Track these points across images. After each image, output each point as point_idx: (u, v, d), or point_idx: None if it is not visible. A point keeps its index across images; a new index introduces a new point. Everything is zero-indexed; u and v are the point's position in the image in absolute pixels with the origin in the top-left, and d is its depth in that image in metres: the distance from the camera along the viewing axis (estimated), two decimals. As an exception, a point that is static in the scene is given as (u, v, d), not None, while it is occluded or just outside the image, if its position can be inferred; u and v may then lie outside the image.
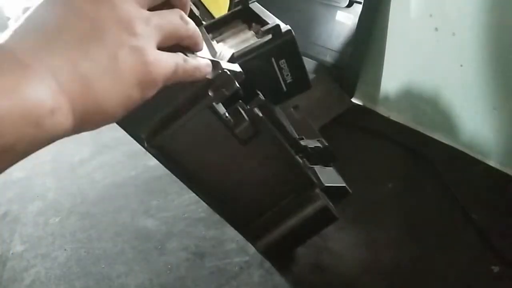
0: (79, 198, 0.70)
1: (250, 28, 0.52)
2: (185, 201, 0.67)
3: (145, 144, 0.40)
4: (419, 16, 0.76)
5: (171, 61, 0.28)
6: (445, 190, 0.66)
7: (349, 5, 0.82)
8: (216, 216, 0.64)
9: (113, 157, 0.82)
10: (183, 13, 0.30)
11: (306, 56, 0.91)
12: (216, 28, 0.52)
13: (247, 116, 0.40)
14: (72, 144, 0.87)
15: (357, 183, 0.55)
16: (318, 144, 0.55)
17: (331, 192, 0.50)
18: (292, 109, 0.69)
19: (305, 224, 0.48)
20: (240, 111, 0.40)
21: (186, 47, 0.32)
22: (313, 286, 0.52)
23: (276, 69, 0.45)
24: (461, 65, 0.72)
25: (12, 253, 0.60)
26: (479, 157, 0.74)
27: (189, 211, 0.65)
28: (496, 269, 0.53)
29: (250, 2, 0.53)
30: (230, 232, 0.60)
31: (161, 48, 0.28)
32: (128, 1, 0.26)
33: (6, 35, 0.23)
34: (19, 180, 0.76)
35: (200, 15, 0.58)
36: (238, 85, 0.37)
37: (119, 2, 0.26)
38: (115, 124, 0.97)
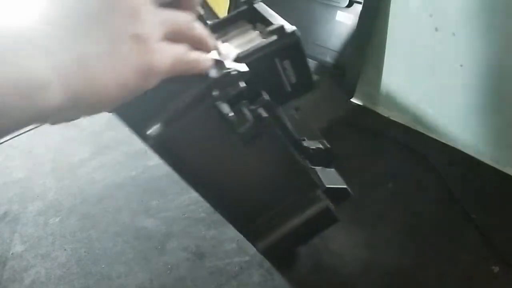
0: (79, 198, 0.70)
1: (255, 28, 0.51)
2: (185, 201, 0.67)
3: (149, 141, 0.40)
4: (419, 16, 0.76)
5: (171, 52, 0.28)
6: (445, 190, 0.66)
7: (349, 5, 0.82)
8: (216, 216, 0.64)
9: (113, 157, 0.81)
10: (191, 16, 0.31)
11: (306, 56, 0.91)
12: (221, 28, 0.52)
13: (251, 116, 0.40)
14: (72, 144, 0.87)
15: (357, 183, 0.55)
16: (320, 146, 0.55)
17: (332, 193, 0.50)
18: (293, 110, 0.69)
19: (306, 225, 0.48)
20: (244, 111, 0.39)
21: (196, 48, 0.32)
22: (313, 286, 0.52)
23: (280, 69, 0.45)
24: (461, 65, 0.72)
25: (12, 253, 0.60)
26: (479, 157, 0.74)
27: (189, 211, 0.65)
28: (496, 269, 0.53)
29: (255, 2, 0.53)
30: (230, 232, 0.60)
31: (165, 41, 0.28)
32: None
33: (12, 9, 0.23)
34: (19, 180, 0.76)
35: (204, 15, 0.58)
36: (244, 84, 0.37)
37: None
38: (115, 124, 0.97)
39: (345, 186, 0.51)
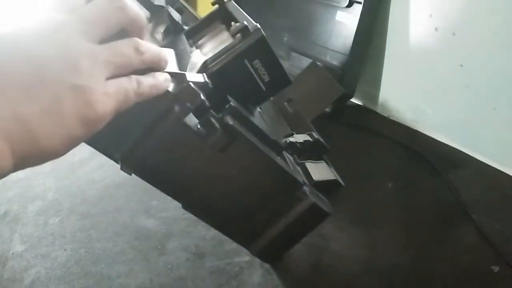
0: (79, 198, 0.70)
1: (228, 29, 0.50)
2: (185, 201, 0.67)
3: (122, 165, 0.39)
4: (419, 16, 0.76)
5: (121, 90, 0.28)
6: (445, 190, 0.66)
7: (349, 5, 0.82)
8: (216, 216, 0.63)
9: (113, 157, 0.81)
10: (138, 41, 0.30)
11: (306, 56, 0.92)
12: (197, 32, 0.51)
13: (219, 125, 0.39)
14: (72, 144, 0.87)
15: (357, 183, 0.55)
16: (308, 138, 0.54)
17: (323, 186, 0.49)
18: (285, 103, 0.68)
19: (295, 224, 0.47)
20: (211, 121, 0.39)
21: (147, 69, 0.31)
22: (313, 286, 0.52)
23: (251, 70, 0.44)
24: (461, 65, 0.72)
25: (12, 253, 0.60)
26: (478, 157, 0.74)
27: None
28: (496, 269, 0.53)
29: (226, 1, 0.51)
30: (230, 232, 0.60)
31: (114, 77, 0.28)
32: (77, 38, 0.26)
33: None
34: (19, 180, 0.76)
35: (183, 19, 0.56)
36: (202, 97, 0.36)
37: (67, 40, 0.25)
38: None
39: (334, 178, 0.51)
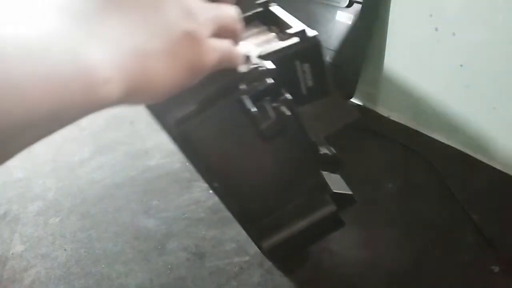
0: (79, 198, 0.70)
1: (270, 30, 0.52)
2: (185, 201, 0.67)
3: (172, 129, 0.39)
4: (419, 16, 0.76)
5: (220, 49, 0.29)
6: (445, 190, 0.66)
7: (349, 5, 0.82)
8: (216, 216, 0.64)
9: (113, 157, 0.81)
10: (234, 10, 0.32)
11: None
12: None
13: (273, 113, 0.40)
14: (72, 144, 0.87)
15: (357, 183, 0.54)
16: (327, 151, 0.55)
17: (338, 199, 0.50)
18: None
19: (312, 228, 0.48)
20: (267, 107, 0.40)
21: (229, 37, 0.32)
22: (313, 286, 0.52)
23: (299, 72, 0.46)
24: (461, 65, 0.72)
25: (12, 253, 0.60)
26: (479, 157, 0.74)
27: (189, 211, 0.65)
28: (496, 269, 0.53)
29: (270, 4, 0.54)
30: (230, 232, 0.60)
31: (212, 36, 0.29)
32: None
33: None
34: (19, 180, 0.76)
35: None
36: (271, 80, 0.37)
37: None
38: (115, 124, 0.97)
39: (351, 193, 0.51)
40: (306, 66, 0.46)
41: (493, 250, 0.55)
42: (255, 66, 0.36)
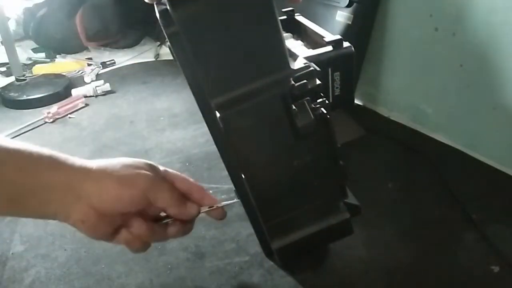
0: (79, 198, 0.70)
1: (294, 37, 0.55)
2: (185, 201, 0.67)
3: (212, 111, 0.40)
4: (419, 16, 0.76)
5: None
6: (445, 190, 0.66)
7: (349, 5, 0.82)
8: (216, 216, 0.63)
9: (113, 157, 0.81)
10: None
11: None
12: None
13: (313, 113, 0.40)
14: (72, 144, 0.87)
15: (357, 183, 0.54)
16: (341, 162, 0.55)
17: (347, 207, 0.50)
18: None
19: (324, 232, 0.48)
20: (307, 107, 0.40)
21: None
22: (313, 286, 0.52)
23: (330, 79, 0.46)
24: (461, 65, 0.72)
25: (12, 253, 0.60)
26: (478, 156, 0.74)
27: (189, 211, 0.65)
28: (496, 269, 0.53)
29: (295, 14, 0.56)
30: (230, 232, 0.60)
31: None
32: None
33: None
34: (19, 180, 0.76)
35: None
36: (319, 82, 0.38)
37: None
38: (115, 124, 0.96)
39: (358, 204, 0.51)
40: (337, 75, 0.47)
41: (493, 250, 0.55)
42: (306, 65, 0.37)
